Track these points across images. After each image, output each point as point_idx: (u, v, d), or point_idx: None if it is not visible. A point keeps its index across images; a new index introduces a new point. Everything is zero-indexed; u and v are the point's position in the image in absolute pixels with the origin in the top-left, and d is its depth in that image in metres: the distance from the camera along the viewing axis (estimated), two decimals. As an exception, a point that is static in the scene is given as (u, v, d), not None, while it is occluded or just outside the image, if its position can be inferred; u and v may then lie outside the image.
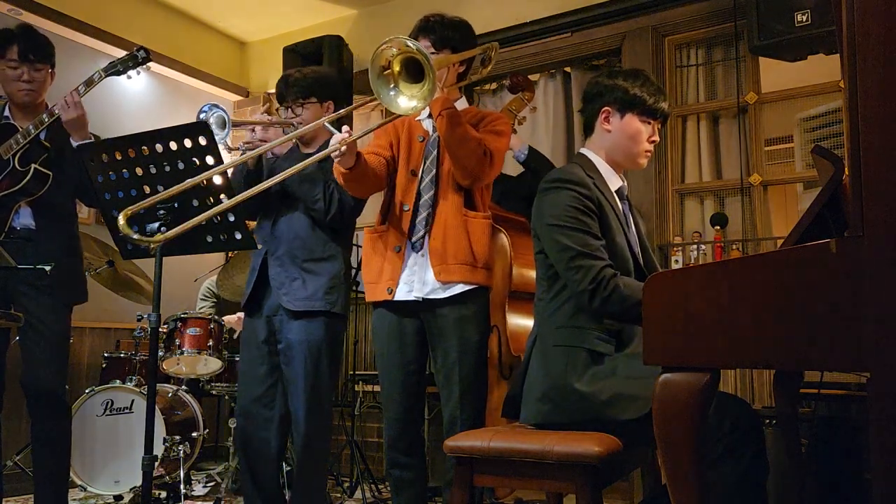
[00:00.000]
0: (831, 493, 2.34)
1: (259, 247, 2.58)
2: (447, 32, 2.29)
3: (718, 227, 3.61)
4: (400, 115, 2.08)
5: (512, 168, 3.53)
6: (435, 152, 2.30)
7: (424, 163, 2.31)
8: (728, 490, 1.57)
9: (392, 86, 1.96)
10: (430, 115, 2.32)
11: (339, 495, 3.81)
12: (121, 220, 1.81)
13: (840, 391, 2.43)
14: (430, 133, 2.34)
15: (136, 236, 1.86)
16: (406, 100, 1.95)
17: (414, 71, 1.94)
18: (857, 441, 2.35)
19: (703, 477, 1.27)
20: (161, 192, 1.99)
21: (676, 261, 3.69)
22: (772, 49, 3.33)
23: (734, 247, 3.60)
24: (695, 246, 3.67)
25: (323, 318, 2.49)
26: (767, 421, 2.49)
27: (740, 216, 3.66)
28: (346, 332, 4.60)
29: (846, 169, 1.21)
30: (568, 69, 4.50)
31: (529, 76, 3.94)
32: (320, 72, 2.73)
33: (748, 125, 3.71)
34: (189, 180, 1.98)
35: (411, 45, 1.88)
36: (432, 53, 2.26)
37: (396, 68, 1.94)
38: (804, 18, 3.16)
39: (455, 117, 2.15)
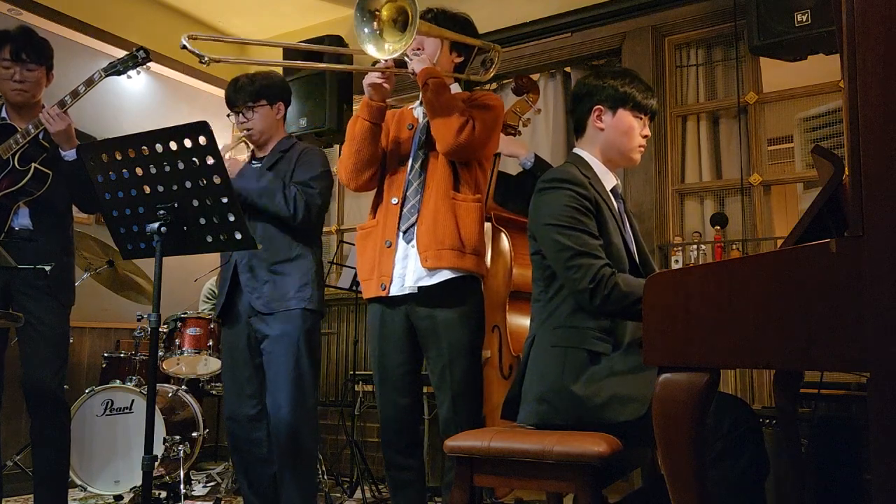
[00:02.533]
0: (831, 493, 2.34)
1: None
2: (448, 23, 2.28)
3: (718, 227, 3.60)
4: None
5: (513, 168, 3.52)
6: (424, 138, 2.27)
7: (414, 150, 2.28)
8: (726, 490, 1.57)
9: (375, 28, 1.98)
10: (421, 103, 2.30)
11: (339, 495, 3.81)
12: (186, 40, 1.90)
13: (840, 391, 2.43)
14: (420, 120, 2.31)
15: (194, 52, 1.92)
16: (378, 45, 1.98)
17: (402, 25, 1.95)
18: (857, 441, 2.35)
19: (704, 477, 1.27)
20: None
21: (676, 261, 3.68)
22: (772, 49, 3.33)
23: (734, 247, 3.60)
24: (695, 246, 3.67)
25: (299, 313, 2.53)
26: (767, 421, 2.49)
27: (740, 216, 3.66)
28: (346, 333, 4.64)
29: (846, 169, 1.21)
30: (568, 69, 4.50)
31: (529, 76, 3.94)
32: (269, 75, 2.75)
33: (748, 125, 3.72)
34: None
35: None
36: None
37: (385, 14, 1.95)
38: (804, 18, 3.16)
39: (440, 87, 2.14)
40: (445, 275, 2.16)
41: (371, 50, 2.00)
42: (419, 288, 2.17)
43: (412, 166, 2.26)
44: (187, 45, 1.88)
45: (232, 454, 2.69)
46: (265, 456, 2.59)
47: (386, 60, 2.11)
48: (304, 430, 2.51)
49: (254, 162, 2.73)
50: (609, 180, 2.03)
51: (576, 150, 2.08)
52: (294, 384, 2.50)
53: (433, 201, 2.18)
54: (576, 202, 1.86)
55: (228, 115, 2.74)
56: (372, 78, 2.16)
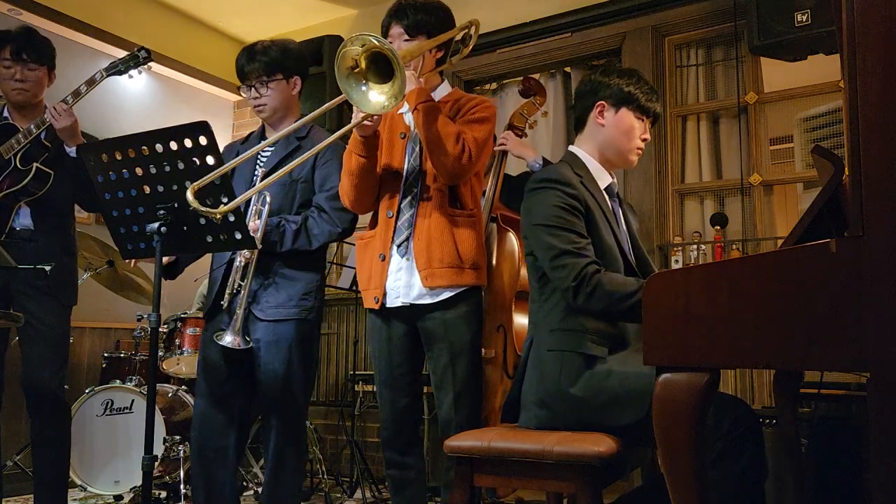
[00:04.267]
0: (831, 493, 2.34)
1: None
2: (421, 17, 2.19)
3: (718, 227, 3.61)
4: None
5: (518, 169, 3.52)
6: (417, 148, 2.21)
7: (407, 161, 2.23)
8: (726, 490, 1.57)
9: (363, 82, 1.88)
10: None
11: (339, 495, 3.81)
12: (189, 195, 1.83)
13: (840, 391, 2.43)
14: (412, 129, 2.24)
15: (202, 210, 1.86)
16: (376, 95, 1.87)
17: (384, 66, 1.84)
18: (857, 441, 2.35)
19: (704, 477, 1.27)
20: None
21: (676, 261, 3.68)
22: (772, 49, 3.33)
23: (734, 247, 3.60)
24: (695, 246, 3.67)
25: (295, 323, 2.38)
26: (767, 421, 2.49)
27: (740, 216, 3.66)
28: (346, 333, 4.64)
29: (846, 169, 1.21)
30: (568, 69, 4.50)
31: (536, 79, 3.95)
32: (285, 44, 2.50)
33: (748, 125, 3.72)
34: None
35: (375, 41, 1.80)
36: (406, 40, 2.19)
37: (364, 64, 1.85)
38: (804, 18, 3.16)
39: (432, 112, 2.05)
40: (447, 293, 2.15)
41: (374, 104, 1.89)
42: (414, 304, 2.17)
43: (406, 178, 2.22)
44: (195, 204, 1.84)
45: (192, 458, 2.45)
46: (231, 464, 2.42)
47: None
48: (288, 447, 2.38)
49: (264, 149, 2.51)
50: (604, 179, 2.02)
51: (571, 148, 2.07)
52: (282, 393, 2.36)
53: (429, 216, 2.15)
54: (563, 202, 1.85)
55: (239, 89, 2.54)
56: (357, 119, 2.05)
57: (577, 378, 1.79)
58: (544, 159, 3.08)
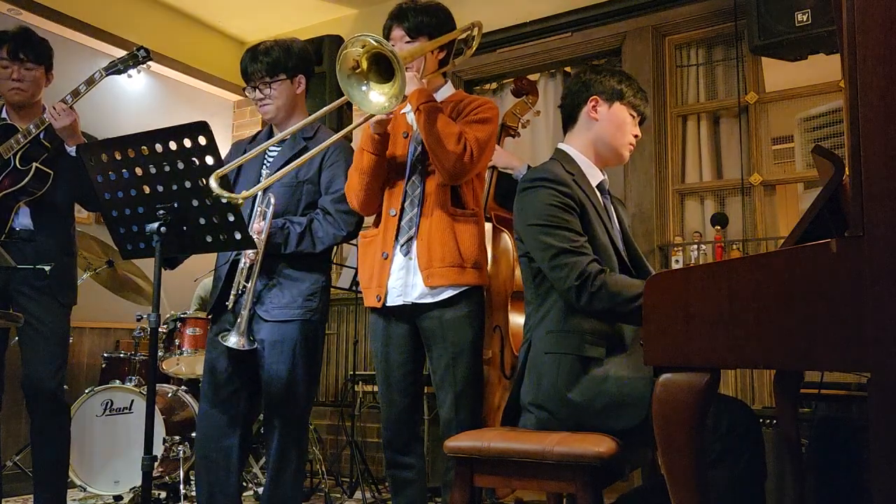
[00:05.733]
0: (831, 493, 2.34)
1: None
2: (422, 19, 2.20)
3: (719, 227, 3.61)
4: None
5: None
6: (420, 148, 2.22)
7: (410, 160, 2.24)
8: (724, 491, 1.57)
9: (364, 82, 1.89)
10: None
11: (339, 495, 3.81)
12: (213, 182, 1.87)
13: (840, 391, 2.43)
14: (415, 128, 2.24)
15: (226, 195, 1.89)
16: (376, 96, 1.88)
17: (385, 67, 1.85)
18: (857, 441, 2.34)
19: (704, 477, 1.27)
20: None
21: (676, 261, 3.69)
22: (772, 49, 3.33)
23: (734, 247, 3.60)
24: (695, 246, 3.67)
25: (299, 323, 2.37)
26: (767, 421, 2.49)
27: (741, 216, 3.66)
28: (346, 333, 4.64)
29: (846, 169, 1.21)
30: (568, 69, 4.50)
31: (529, 76, 3.95)
32: (287, 44, 2.50)
33: (749, 125, 3.72)
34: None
35: (375, 41, 1.81)
36: (407, 42, 2.20)
37: (366, 65, 1.86)
38: (804, 18, 3.16)
39: (433, 113, 2.06)
40: (448, 292, 2.15)
41: (374, 105, 1.90)
42: (415, 304, 2.17)
43: (409, 177, 2.22)
44: (220, 191, 1.87)
45: (197, 459, 2.44)
46: (234, 466, 2.40)
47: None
48: (289, 447, 2.37)
49: (270, 149, 2.51)
50: (595, 176, 2.02)
51: (561, 146, 2.06)
52: (285, 394, 2.35)
53: (431, 218, 2.16)
54: (558, 200, 1.84)
55: (244, 90, 2.54)
56: (377, 116, 2.06)
57: (575, 382, 1.78)
58: (530, 167, 3.08)
